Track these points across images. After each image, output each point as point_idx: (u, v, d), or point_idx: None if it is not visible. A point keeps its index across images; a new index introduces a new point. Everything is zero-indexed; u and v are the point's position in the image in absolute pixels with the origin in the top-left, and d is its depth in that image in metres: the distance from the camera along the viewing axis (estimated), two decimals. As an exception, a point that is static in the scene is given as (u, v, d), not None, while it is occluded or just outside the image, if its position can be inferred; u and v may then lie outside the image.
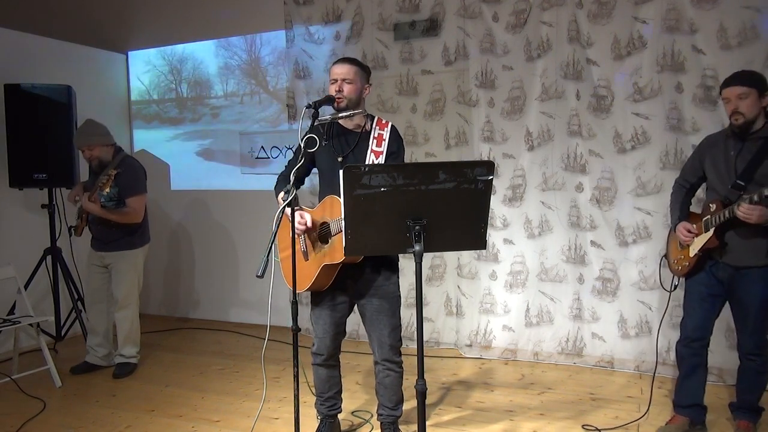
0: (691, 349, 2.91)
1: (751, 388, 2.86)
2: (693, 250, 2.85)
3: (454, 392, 3.67)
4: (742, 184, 2.65)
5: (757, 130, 2.67)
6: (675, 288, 3.02)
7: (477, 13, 4.24)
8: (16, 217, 4.77)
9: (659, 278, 3.30)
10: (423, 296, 2.24)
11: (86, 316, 4.25)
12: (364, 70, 2.75)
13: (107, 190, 3.72)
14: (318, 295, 2.80)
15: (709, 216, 2.77)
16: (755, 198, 2.51)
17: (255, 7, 5.13)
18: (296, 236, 2.64)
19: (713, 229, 2.73)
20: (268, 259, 2.29)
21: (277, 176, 2.89)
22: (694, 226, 2.84)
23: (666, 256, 3.08)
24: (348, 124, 2.76)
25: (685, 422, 2.95)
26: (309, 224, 2.64)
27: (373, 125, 2.75)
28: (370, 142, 2.71)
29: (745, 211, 2.54)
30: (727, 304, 2.86)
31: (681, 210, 2.98)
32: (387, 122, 2.79)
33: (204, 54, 5.42)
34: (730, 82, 2.70)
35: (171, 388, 3.83)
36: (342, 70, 2.67)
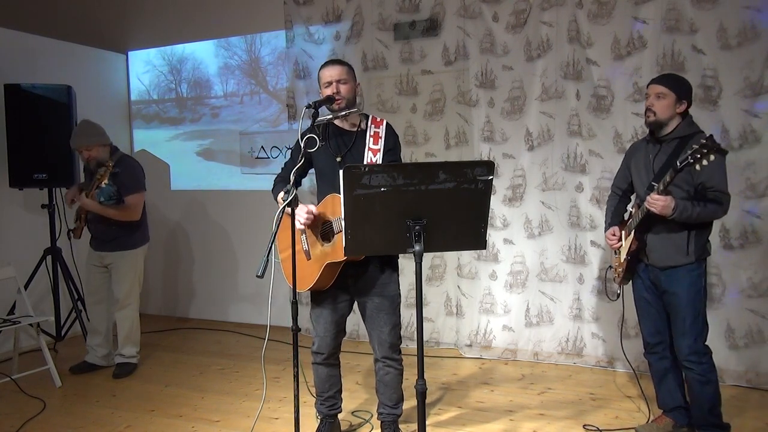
0: (655, 354, 2.91)
1: (697, 400, 2.74)
2: (622, 256, 2.89)
3: (454, 392, 3.67)
4: (655, 184, 2.68)
5: (670, 131, 2.73)
6: (618, 296, 3.06)
7: (477, 13, 4.24)
8: (16, 217, 4.77)
9: (605, 289, 3.34)
10: (423, 296, 2.24)
11: (87, 316, 4.25)
12: (352, 69, 2.77)
13: (105, 182, 3.73)
14: (318, 294, 2.80)
15: (630, 219, 2.84)
16: (661, 187, 2.56)
17: (255, 7, 5.13)
18: (299, 233, 2.64)
19: (633, 231, 2.77)
20: (268, 259, 2.29)
21: (274, 178, 2.88)
22: (623, 232, 2.90)
23: (611, 266, 3.10)
24: (344, 124, 2.77)
25: (669, 423, 2.94)
26: (315, 212, 2.62)
27: (369, 123, 2.77)
28: (367, 141, 2.72)
29: (651, 199, 2.58)
30: None
31: (612, 217, 3.05)
32: (382, 120, 2.81)
33: (204, 54, 5.42)
34: (655, 79, 2.76)
35: (171, 388, 3.83)
36: (335, 72, 2.68)
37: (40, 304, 4.75)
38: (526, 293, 4.25)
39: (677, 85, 2.71)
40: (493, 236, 4.27)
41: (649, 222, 2.72)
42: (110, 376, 4.02)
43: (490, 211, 2.71)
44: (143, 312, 5.38)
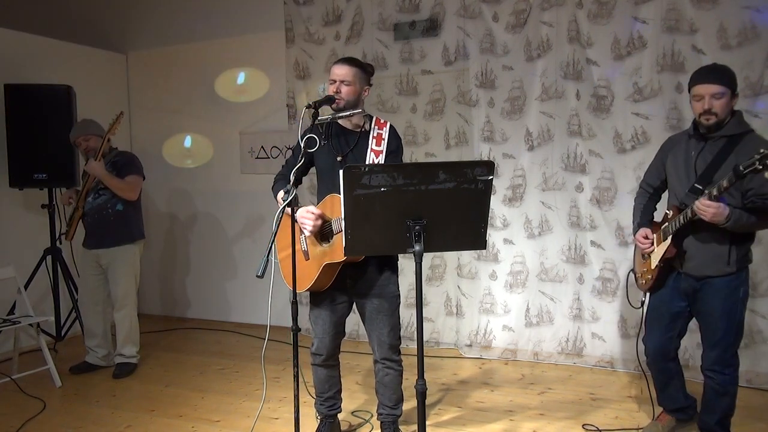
0: (657, 365, 2.84)
1: (709, 408, 2.67)
2: (654, 262, 2.70)
3: (454, 392, 3.67)
4: (700, 188, 2.49)
5: (720, 128, 2.52)
6: (642, 304, 2.86)
7: (477, 13, 4.24)
8: (16, 217, 4.76)
9: (626, 294, 3.17)
10: (423, 296, 2.24)
11: (82, 318, 4.25)
12: (365, 70, 2.73)
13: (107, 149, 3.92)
14: (317, 295, 2.80)
15: (666, 223, 2.63)
16: (714, 192, 2.34)
17: (255, 7, 5.13)
18: (298, 233, 2.64)
19: (671, 236, 2.59)
20: (268, 259, 2.29)
21: (274, 176, 2.88)
22: (654, 235, 2.71)
23: (633, 270, 2.97)
24: (347, 123, 2.77)
25: (672, 420, 2.94)
26: (318, 213, 2.59)
27: (372, 125, 2.76)
28: (370, 142, 2.71)
29: (701, 205, 2.38)
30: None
31: (642, 216, 2.84)
32: (386, 122, 2.80)
33: (204, 54, 5.41)
34: (704, 78, 2.50)
35: (171, 388, 3.83)
36: (341, 72, 2.66)
37: (40, 304, 4.75)
38: (526, 293, 4.25)
39: (731, 80, 2.49)
40: (493, 236, 4.27)
41: (691, 228, 2.53)
42: (110, 376, 4.02)
43: (490, 211, 2.71)
44: (143, 312, 5.39)
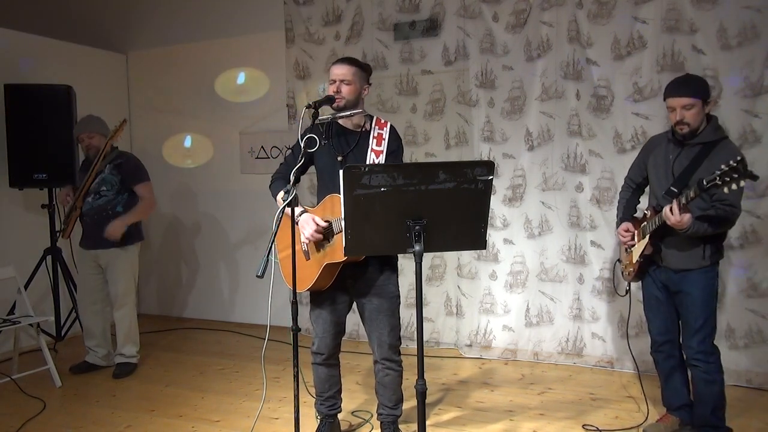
0: (662, 353, 2.90)
1: (701, 399, 2.75)
2: (634, 257, 2.85)
3: (454, 392, 3.67)
4: (675, 191, 2.62)
5: (696, 135, 2.65)
6: (627, 293, 3.03)
7: (477, 13, 4.24)
8: (16, 217, 4.76)
9: (613, 283, 3.25)
10: (423, 296, 2.24)
11: (81, 318, 4.25)
12: (363, 70, 2.74)
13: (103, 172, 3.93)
14: (318, 295, 2.80)
15: (645, 223, 2.78)
16: (683, 201, 2.48)
17: (255, 7, 5.13)
18: (298, 233, 2.64)
19: (648, 235, 2.73)
20: (268, 259, 2.29)
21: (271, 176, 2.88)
22: (637, 231, 2.85)
23: (619, 260, 3.08)
24: (347, 123, 2.77)
25: (675, 422, 2.95)
26: (323, 225, 2.60)
27: (373, 125, 2.76)
28: (370, 142, 2.72)
29: (667, 211, 2.52)
30: None
31: (624, 212, 2.99)
32: (386, 122, 2.80)
33: (204, 54, 5.41)
34: (675, 91, 2.64)
35: (171, 388, 3.83)
36: (341, 71, 2.67)
37: (40, 304, 4.75)
38: (526, 293, 4.25)
39: (699, 90, 2.63)
40: (493, 236, 4.27)
41: (665, 228, 2.64)
42: (110, 376, 4.02)
43: (490, 211, 2.71)
44: (143, 312, 5.39)
